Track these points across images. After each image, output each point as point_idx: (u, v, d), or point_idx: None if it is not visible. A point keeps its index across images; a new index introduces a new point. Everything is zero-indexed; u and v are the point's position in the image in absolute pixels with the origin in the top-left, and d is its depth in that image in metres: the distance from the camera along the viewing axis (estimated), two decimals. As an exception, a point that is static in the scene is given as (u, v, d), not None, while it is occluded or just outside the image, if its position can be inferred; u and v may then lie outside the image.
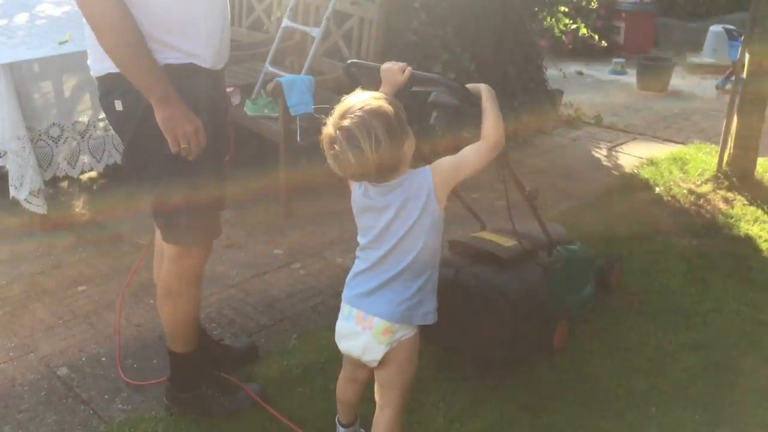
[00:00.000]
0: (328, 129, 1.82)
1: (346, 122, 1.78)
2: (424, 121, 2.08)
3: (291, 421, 2.40)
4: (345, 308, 2.05)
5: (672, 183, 4.44)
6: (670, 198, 4.24)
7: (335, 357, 2.72)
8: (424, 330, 2.75)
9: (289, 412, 2.44)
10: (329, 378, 2.62)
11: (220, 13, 2.17)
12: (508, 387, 2.59)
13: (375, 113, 1.78)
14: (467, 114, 2.01)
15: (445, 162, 1.94)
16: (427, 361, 2.73)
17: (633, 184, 4.47)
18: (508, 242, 2.73)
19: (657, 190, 4.34)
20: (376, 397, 2.10)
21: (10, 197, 3.68)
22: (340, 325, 2.06)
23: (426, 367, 2.69)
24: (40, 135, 3.69)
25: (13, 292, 3.25)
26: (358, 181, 1.94)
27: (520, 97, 5.33)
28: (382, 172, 1.86)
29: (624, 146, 5.32)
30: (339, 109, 1.83)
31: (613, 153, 5.16)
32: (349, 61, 2.30)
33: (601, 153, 5.17)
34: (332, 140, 1.81)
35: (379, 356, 1.99)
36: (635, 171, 4.70)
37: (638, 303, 3.13)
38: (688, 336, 2.90)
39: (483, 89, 2.02)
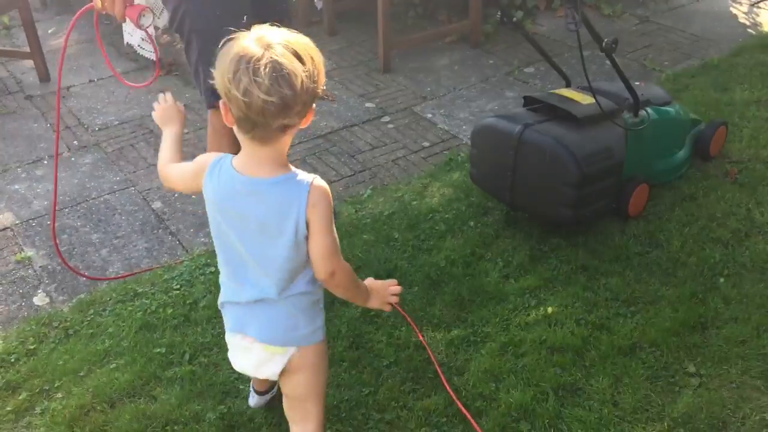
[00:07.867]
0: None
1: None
2: None
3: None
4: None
5: (815, 44, 3.95)
6: (807, 61, 3.80)
7: (402, 209, 2.79)
8: (488, 188, 2.73)
9: (350, 255, 2.54)
10: (393, 227, 2.70)
11: None
12: (569, 248, 2.54)
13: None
14: None
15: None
16: (493, 218, 2.73)
17: (768, 45, 4.02)
18: (586, 100, 2.59)
19: (795, 51, 3.89)
20: (289, 414, 1.70)
21: (125, 43, 3.91)
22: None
23: (490, 224, 2.70)
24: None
25: (124, 132, 3.52)
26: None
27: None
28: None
29: (770, 2, 4.75)
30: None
31: (755, 9, 4.62)
32: None
33: (740, 9, 4.65)
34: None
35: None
36: (775, 30, 4.22)
37: (737, 173, 2.90)
38: (783, 210, 2.68)
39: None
